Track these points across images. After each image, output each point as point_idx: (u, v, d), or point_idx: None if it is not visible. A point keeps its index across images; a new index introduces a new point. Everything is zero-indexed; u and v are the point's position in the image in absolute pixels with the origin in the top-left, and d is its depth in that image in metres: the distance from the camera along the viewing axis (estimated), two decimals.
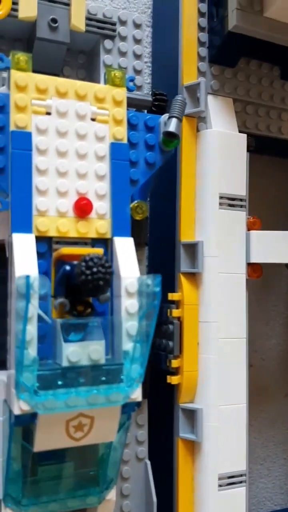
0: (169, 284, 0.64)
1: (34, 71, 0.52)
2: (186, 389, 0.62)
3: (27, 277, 0.43)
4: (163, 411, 0.63)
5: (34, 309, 0.46)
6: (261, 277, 0.77)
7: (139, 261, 0.55)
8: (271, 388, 0.83)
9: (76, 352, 0.47)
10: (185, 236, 0.63)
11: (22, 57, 0.52)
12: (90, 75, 0.67)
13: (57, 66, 0.65)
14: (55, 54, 0.63)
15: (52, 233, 0.52)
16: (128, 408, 0.52)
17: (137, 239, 0.56)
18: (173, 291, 0.64)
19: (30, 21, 0.60)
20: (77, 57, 0.67)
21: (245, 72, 0.70)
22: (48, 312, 0.51)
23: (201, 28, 0.67)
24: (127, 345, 0.50)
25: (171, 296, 0.63)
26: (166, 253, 0.65)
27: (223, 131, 0.65)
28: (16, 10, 0.59)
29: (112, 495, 0.57)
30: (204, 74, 0.67)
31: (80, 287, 0.45)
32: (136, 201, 0.57)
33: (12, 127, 0.51)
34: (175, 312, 0.62)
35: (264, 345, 0.83)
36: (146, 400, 0.64)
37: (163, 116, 0.59)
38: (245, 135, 0.66)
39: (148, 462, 0.63)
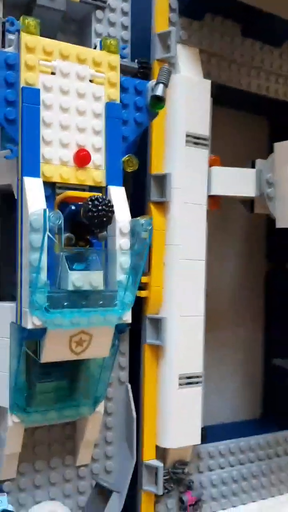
0: (140, 212, 0.72)
1: None
2: (153, 302, 0.73)
3: (44, 210, 0.51)
4: (133, 323, 0.73)
5: (45, 243, 0.54)
6: (216, 217, 0.89)
7: None
8: (223, 316, 0.94)
9: (80, 278, 0.56)
10: (155, 169, 0.73)
11: (32, 22, 0.58)
12: (81, 42, 0.74)
13: (52, 32, 0.71)
14: (51, 21, 0.69)
15: (56, 179, 0.59)
16: (120, 329, 0.61)
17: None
18: None
19: None
20: (70, 24, 0.74)
21: (210, 26, 0.78)
22: (52, 248, 0.59)
23: None
24: (121, 276, 0.60)
25: None
26: (138, 185, 0.74)
27: (190, 76, 0.74)
28: None
29: (100, 408, 0.66)
30: (174, 24, 0.75)
31: (87, 223, 0.53)
32: (127, 155, 0.65)
33: (22, 84, 0.58)
34: (144, 235, 0.70)
35: (217, 276, 0.94)
36: (128, 332, 0.73)
37: (150, 82, 0.67)
38: (209, 81, 0.75)
39: (129, 385, 0.73)
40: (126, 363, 0.74)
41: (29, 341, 0.57)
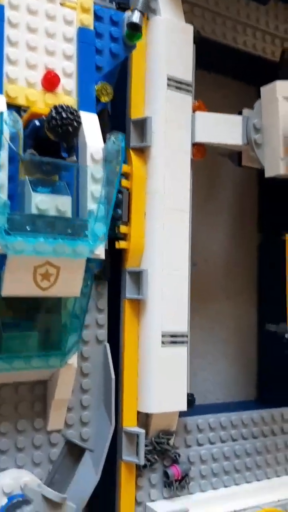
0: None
1: None
2: (133, 254, 0.67)
3: (1, 113, 0.46)
4: (112, 278, 0.67)
5: (5, 156, 0.49)
6: (206, 186, 0.85)
7: None
8: (213, 289, 0.88)
9: (44, 201, 0.51)
10: (135, 113, 0.68)
11: None
12: None
13: None
14: None
15: (21, 101, 0.55)
16: (93, 265, 0.55)
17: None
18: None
19: None
20: None
21: None
22: (16, 175, 0.54)
23: None
24: (92, 206, 0.54)
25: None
26: (117, 130, 0.69)
27: (172, 19, 0.70)
28: None
29: (73, 360, 0.60)
30: None
31: (50, 133, 0.48)
32: (100, 82, 0.60)
33: None
34: (124, 182, 0.66)
35: (207, 248, 0.88)
36: (106, 285, 0.67)
37: (127, 11, 0.63)
38: (191, 26, 0.71)
39: (107, 345, 0.67)
40: (104, 320, 0.67)
41: None
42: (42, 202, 0.50)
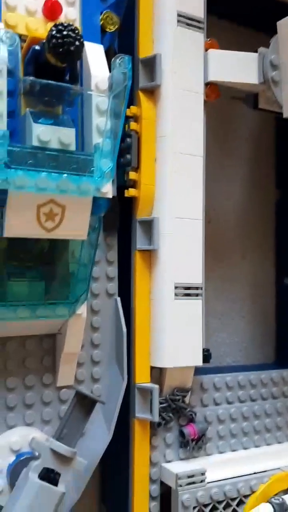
0: (129, 103, 0.63)
1: None
2: (143, 202, 0.63)
3: None
4: (122, 229, 0.63)
5: (3, 82, 0.46)
6: (220, 136, 0.80)
7: None
8: (229, 247, 0.84)
9: (46, 132, 0.47)
10: (143, 51, 0.64)
11: None
12: None
13: None
14: None
15: (21, 30, 0.51)
16: (99, 206, 0.52)
17: None
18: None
19: None
20: None
21: None
22: (17, 110, 0.51)
23: None
24: (97, 140, 0.50)
25: (129, 111, 0.62)
26: None
27: None
28: None
29: (82, 310, 0.57)
30: None
31: (51, 55, 0.44)
32: (105, 11, 0.56)
33: None
34: (133, 125, 0.62)
35: (222, 204, 0.84)
36: (116, 236, 0.64)
37: None
38: None
39: (118, 298, 0.63)
40: (114, 273, 0.64)
41: None
42: (43, 133, 0.47)
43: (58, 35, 0.44)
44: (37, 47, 0.47)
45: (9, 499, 0.51)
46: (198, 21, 0.66)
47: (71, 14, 0.53)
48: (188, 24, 0.66)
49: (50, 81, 0.46)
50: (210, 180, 0.71)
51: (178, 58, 0.64)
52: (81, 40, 0.45)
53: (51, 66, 0.47)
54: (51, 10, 0.52)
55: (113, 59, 0.49)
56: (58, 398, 0.60)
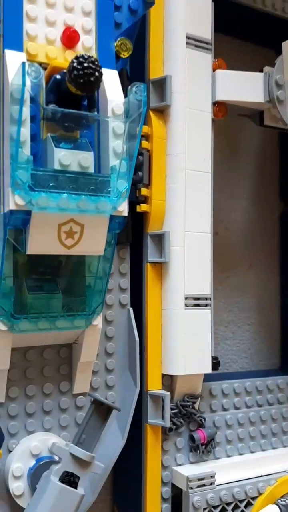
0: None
1: None
2: (154, 217, 0.67)
3: (23, 63, 0.46)
4: (134, 242, 0.67)
5: (27, 111, 0.49)
6: (227, 151, 0.84)
7: None
8: (235, 258, 0.87)
9: (67, 156, 0.50)
10: (153, 73, 0.67)
11: None
12: None
13: None
14: None
15: (42, 58, 0.54)
16: (115, 223, 0.55)
17: None
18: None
19: None
20: None
21: None
22: (38, 134, 0.54)
23: None
24: (114, 162, 0.54)
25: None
26: None
27: None
28: None
29: (98, 321, 0.60)
30: None
31: (72, 84, 0.48)
32: (120, 38, 0.59)
33: None
34: (144, 144, 0.66)
35: (229, 216, 0.87)
36: (128, 250, 0.67)
37: None
38: None
39: (131, 309, 0.66)
40: (127, 284, 0.67)
41: (14, 231, 0.51)
42: (64, 157, 0.50)
43: (79, 66, 0.47)
44: (58, 76, 0.50)
45: (31, 501, 0.54)
46: (206, 43, 0.70)
47: (87, 42, 0.56)
48: (196, 46, 0.69)
49: (71, 110, 0.49)
50: (216, 192, 0.74)
51: (187, 79, 0.68)
52: (100, 71, 0.48)
53: (71, 94, 0.50)
54: (69, 39, 0.55)
55: (129, 87, 0.52)
56: (74, 404, 0.63)
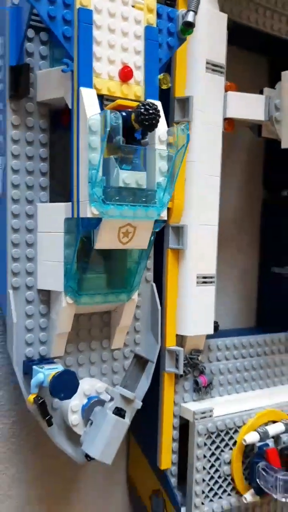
0: None
1: None
2: (175, 212, 0.83)
3: (106, 111, 0.60)
4: (158, 231, 0.80)
5: (99, 142, 0.63)
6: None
7: None
8: (225, 240, 1.06)
9: (129, 177, 0.65)
10: (178, 93, 0.82)
11: None
12: None
13: None
14: None
15: (105, 91, 0.68)
16: (157, 225, 0.71)
17: None
18: None
19: None
20: None
21: None
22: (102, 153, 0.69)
23: None
24: (160, 179, 0.69)
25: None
26: (163, 107, 0.78)
27: (210, 9, 0.82)
28: None
29: (135, 296, 0.77)
30: None
31: (138, 125, 0.62)
32: (162, 73, 0.74)
33: (78, 5, 0.65)
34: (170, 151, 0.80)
35: (220, 204, 1.05)
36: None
37: (180, 10, 0.75)
38: (225, 15, 0.84)
39: (154, 284, 0.84)
40: (151, 265, 0.84)
41: (85, 231, 0.67)
42: (127, 178, 0.65)
43: (145, 112, 0.62)
44: (124, 113, 0.65)
45: (89, 431, 0.72)
46: (221, 67, 0.84)
47: (138, 76, 0.70)
48: (213, 70, 0.83)
49: (133, 146, 0.64)
50: None
51: (205, 99, 0.83)
52: (160, 115, 0.63)
53: (133, 128, 0.65)
54: (126, 75, 0.69)
55: (177, 125, 0.67)
56: (112, 357, 0.81)
